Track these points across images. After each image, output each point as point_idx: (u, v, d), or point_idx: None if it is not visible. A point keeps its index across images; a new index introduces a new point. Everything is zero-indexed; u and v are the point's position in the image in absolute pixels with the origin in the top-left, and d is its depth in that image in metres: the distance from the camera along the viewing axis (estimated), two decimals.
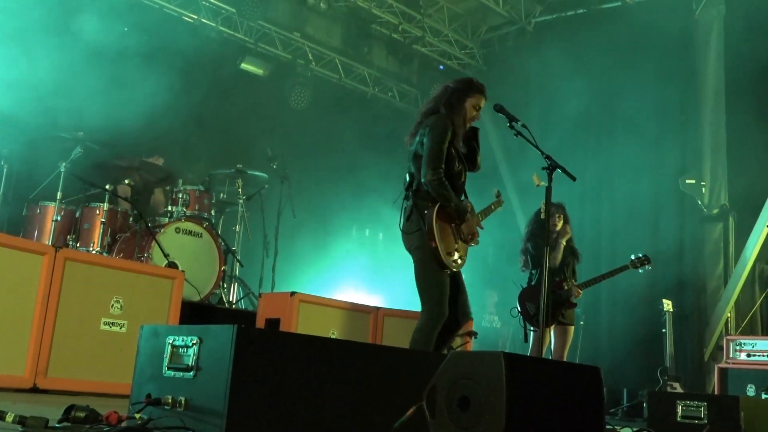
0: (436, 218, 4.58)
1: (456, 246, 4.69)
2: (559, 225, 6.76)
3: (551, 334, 6.74)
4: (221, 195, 8.41)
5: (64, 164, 6.75)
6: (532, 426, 2.61)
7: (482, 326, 10.20)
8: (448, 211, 4.65)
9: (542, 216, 4.92)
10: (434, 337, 4.62)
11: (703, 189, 9.80)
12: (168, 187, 7.65)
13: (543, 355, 5.84)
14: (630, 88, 10.12)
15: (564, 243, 6.78)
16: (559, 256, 6.72)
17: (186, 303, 5.76)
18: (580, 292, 6.67)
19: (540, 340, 5.83)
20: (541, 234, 6.40)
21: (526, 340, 6.62)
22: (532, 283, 6.74)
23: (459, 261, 4.72)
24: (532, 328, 6.62)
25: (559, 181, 4.85)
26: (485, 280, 10.27)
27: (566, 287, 6.64)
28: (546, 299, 4.75)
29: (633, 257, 6.90)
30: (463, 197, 4.84)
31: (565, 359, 6.72)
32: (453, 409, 2.63)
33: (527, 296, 6.66)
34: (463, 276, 4.91)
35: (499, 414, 2.47)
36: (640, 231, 9.87)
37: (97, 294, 4.92)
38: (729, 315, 9.37)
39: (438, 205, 4.60)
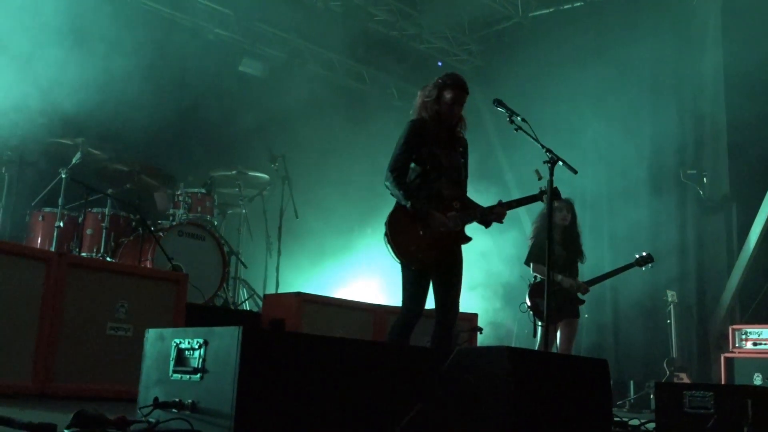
0: (397, 217, 4.62)
1: (421, 241, 4.58)
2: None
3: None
4: (223, 197, 8.41)
5: (65, 170, 6.76)
6: (539, 419, 2.61)
7: (487, 322, 10.19)
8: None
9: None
10: (404, 334, 4.59)
11: (705, 179, 9.78)
12: (170, 191, 7.66)
13: (550, 349, 5.82)
14: (628, 77, 10.11)
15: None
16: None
17: (190, 306, 5.77)
18: (588, 288, 6.68)
19: (547, 335, 5.82)
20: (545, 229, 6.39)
21: (535, 335, 6.61)
22: (538, 279, 6.72)
23: (428, 256, 4.59)
24: (541, 323, 6.61)
25: (562, 175, 4.84)
26: (487, 276, 10.27)
27: (573, 284, 6.63)
28: (551, 293, 4.74)
29: (637, 255, 6.90)
30: (448, 194, 4.75)
31: (571, 352, 6.71)
32: (459, 405, 2.63)
33: (537, 292, 6.63)
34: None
35: (505, 408, 2.48)
36: (642, 222, 9.85)
37: (102, 299, 4.93)
38: (733, 304, 9.36)
39: (397, 204, 4.67)
